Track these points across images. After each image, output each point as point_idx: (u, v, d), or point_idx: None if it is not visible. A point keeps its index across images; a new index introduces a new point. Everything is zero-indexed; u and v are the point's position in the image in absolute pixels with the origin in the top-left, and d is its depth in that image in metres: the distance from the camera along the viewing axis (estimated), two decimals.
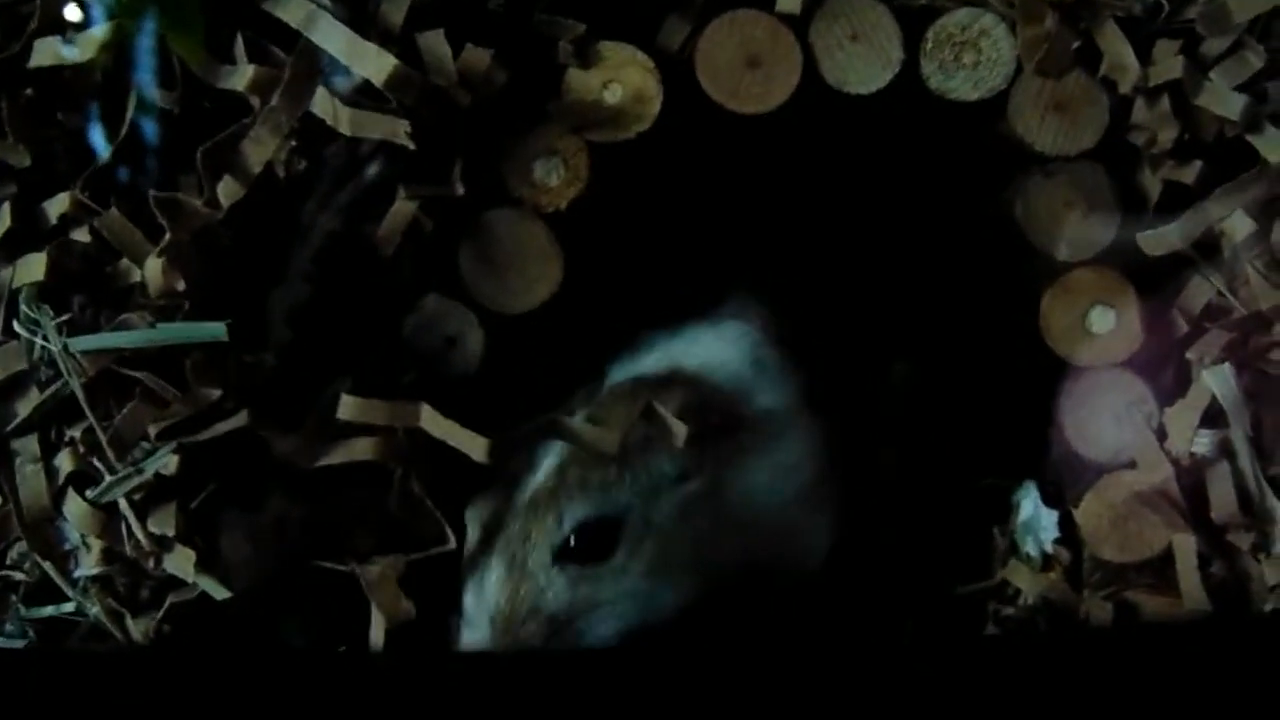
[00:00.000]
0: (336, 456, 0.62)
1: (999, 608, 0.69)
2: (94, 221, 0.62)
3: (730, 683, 0.56)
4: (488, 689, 0.55)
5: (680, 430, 0.61)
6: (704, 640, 0.67)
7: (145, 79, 0.63)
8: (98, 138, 0.64)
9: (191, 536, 0.62)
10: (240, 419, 0.61)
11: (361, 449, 0.62)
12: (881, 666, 0.60)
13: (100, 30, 0.63)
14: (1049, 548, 0.69)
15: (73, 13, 0.64)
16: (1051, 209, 0.65)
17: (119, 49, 0.64)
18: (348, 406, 0.61)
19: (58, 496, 0.63)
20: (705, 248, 0.70)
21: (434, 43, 0.61)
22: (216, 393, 0.61)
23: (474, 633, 0.62)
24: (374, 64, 0.60)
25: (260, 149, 0.61)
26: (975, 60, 0.64)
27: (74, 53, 0.62)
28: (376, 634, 0.62)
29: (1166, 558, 0.65)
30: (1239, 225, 0.64)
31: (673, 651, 0.66)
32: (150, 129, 0.63)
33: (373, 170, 0.64)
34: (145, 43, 0.63)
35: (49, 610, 0.64)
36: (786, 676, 0.57)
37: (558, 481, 0.61)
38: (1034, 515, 0.70)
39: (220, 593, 0.61)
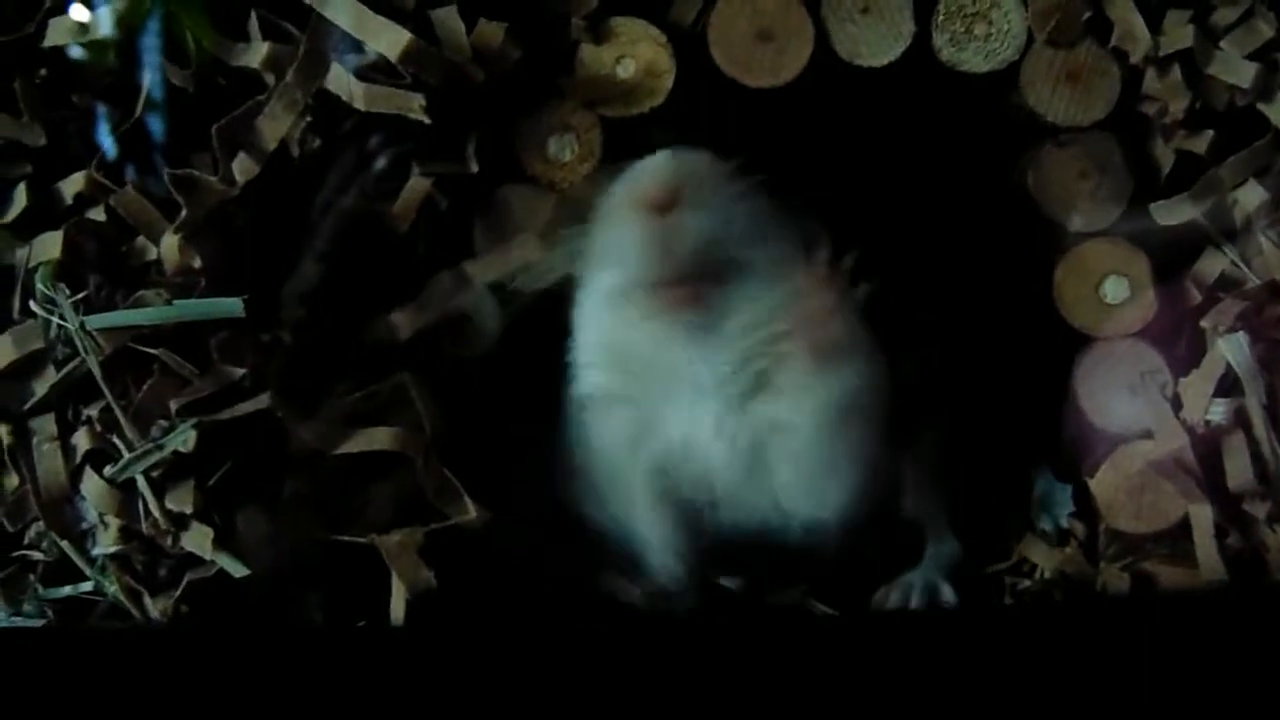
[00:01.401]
0: (355, 445, 0.63)
1: (1015, 581, 0.69)
2: (110, 200, 0.62)
3: (747, 652, 0.56)
4: (509, 661, 0.56)
5: None
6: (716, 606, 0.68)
7: (159, 58, 0.63)
8: (113, 117, 0.64)
9: (209, 514, 0.62)
10: (261, 400, 0.61)
11: (380, 439, 0.63)
12: (896, 635, 0.61)
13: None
14: (1065, 523, 0.69)
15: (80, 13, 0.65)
16: (1064, 180, 0.66)
17: (132, 28, 0.64)
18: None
19: (75, 475, 0.63)
20: None
21: (448, 18, 0.62)
22: (238, 371, 0.61)
23: None
24: (388, 38, 0.60)
25: (275, 125, 0.61)
26: (986, 32, 0.64)
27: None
28: (397, 604, 0.62)
29: (1183, 528, 0.65)
30: (1252, 195, 0.65)
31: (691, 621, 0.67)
32: (165, 107, 0.63)
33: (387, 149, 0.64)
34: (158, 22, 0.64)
35: (67, 590, 0.63)
36: (800, 645, 0.57)
37: None
38: (1049, 491, 0.70)
39: (238, 570, 0.61)
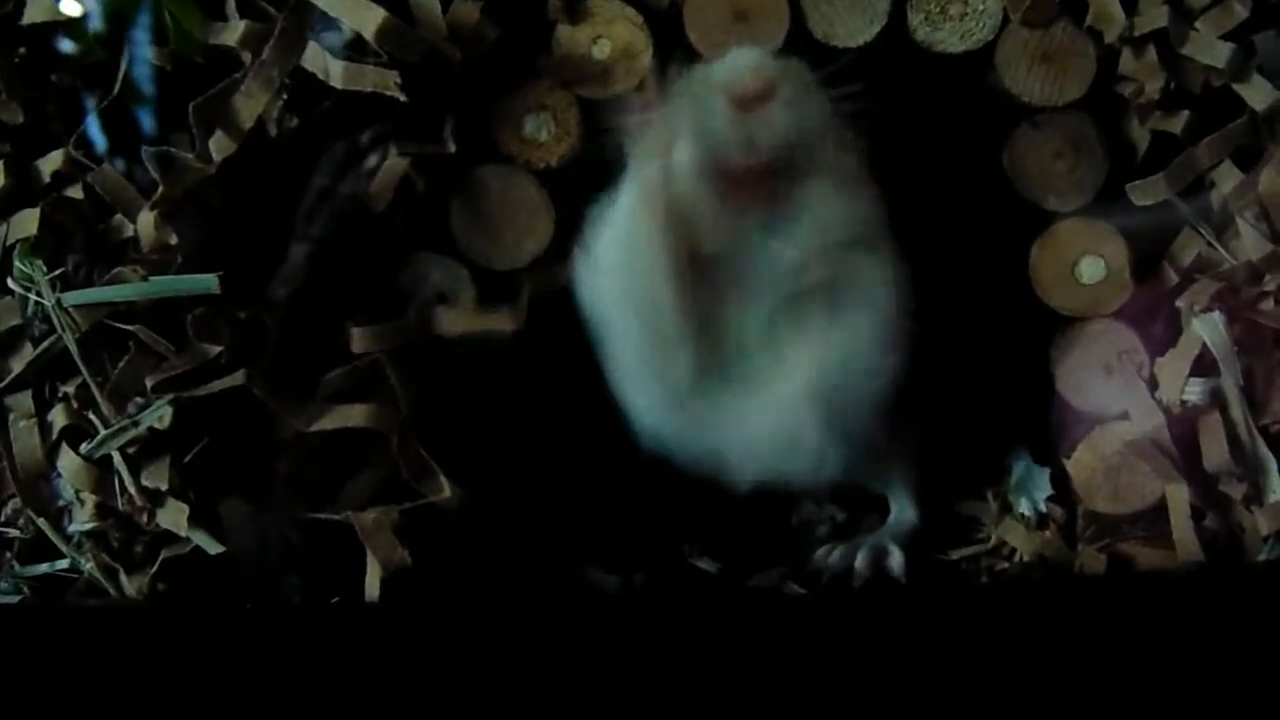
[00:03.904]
0: (329, 422, 0.63)
1: (992, 563, 0.69)
2: (87, 177, 0.62)
3: (730, 633, 0.56)
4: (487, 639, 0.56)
5: None
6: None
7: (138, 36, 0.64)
8: (91, 95, 0.64)
9: (185, 491, 0.62)
10: (237, 377, 0.62)
11: (355, 415, 0.63)
12: (873, 617, 0.60)
13: None
14: (1043, 506, 0.69)
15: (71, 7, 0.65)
16: (1039, 160, 0.66)
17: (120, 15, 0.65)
18: (359, 339, 0.62)
19: (51, 452, 0.63)
20: None
21: None
22: (214, 349, 0.62)
23: None
24: (364, 17, 0.60)
25: (252, 103, 0.62)
26: (962, 12, 0.65)
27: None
28: (371, 582, 0.62)
29: (1160, 509, 0.65)
30: (1228, 175, 0.65)
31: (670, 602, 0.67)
32: (143, 85, 0.64)
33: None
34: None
35: (43, 567, 0.64)
36: (782, 628, 0.57)
37: None
38: (1027, 474, 0.70)
39: (213, 547, 0.62)
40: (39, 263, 0.62)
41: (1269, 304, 0.65)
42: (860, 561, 0.67)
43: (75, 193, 0.63)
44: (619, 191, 0.61)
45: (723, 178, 0.59)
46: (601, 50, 0.65)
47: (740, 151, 0.58)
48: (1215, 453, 0.64)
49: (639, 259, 0.60)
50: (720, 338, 0.61)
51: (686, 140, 0.59)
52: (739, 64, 0.59)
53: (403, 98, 0.61)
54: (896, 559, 0.67)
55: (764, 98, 0.58)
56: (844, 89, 0.59)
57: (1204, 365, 0.65)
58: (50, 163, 0.63)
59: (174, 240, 0.61)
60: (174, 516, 0.61)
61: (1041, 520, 0.69)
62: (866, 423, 0.63)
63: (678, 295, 0.60)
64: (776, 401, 0.61)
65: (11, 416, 0.63)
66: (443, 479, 0.63)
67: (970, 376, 0.68)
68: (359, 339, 0.63)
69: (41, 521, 0.63)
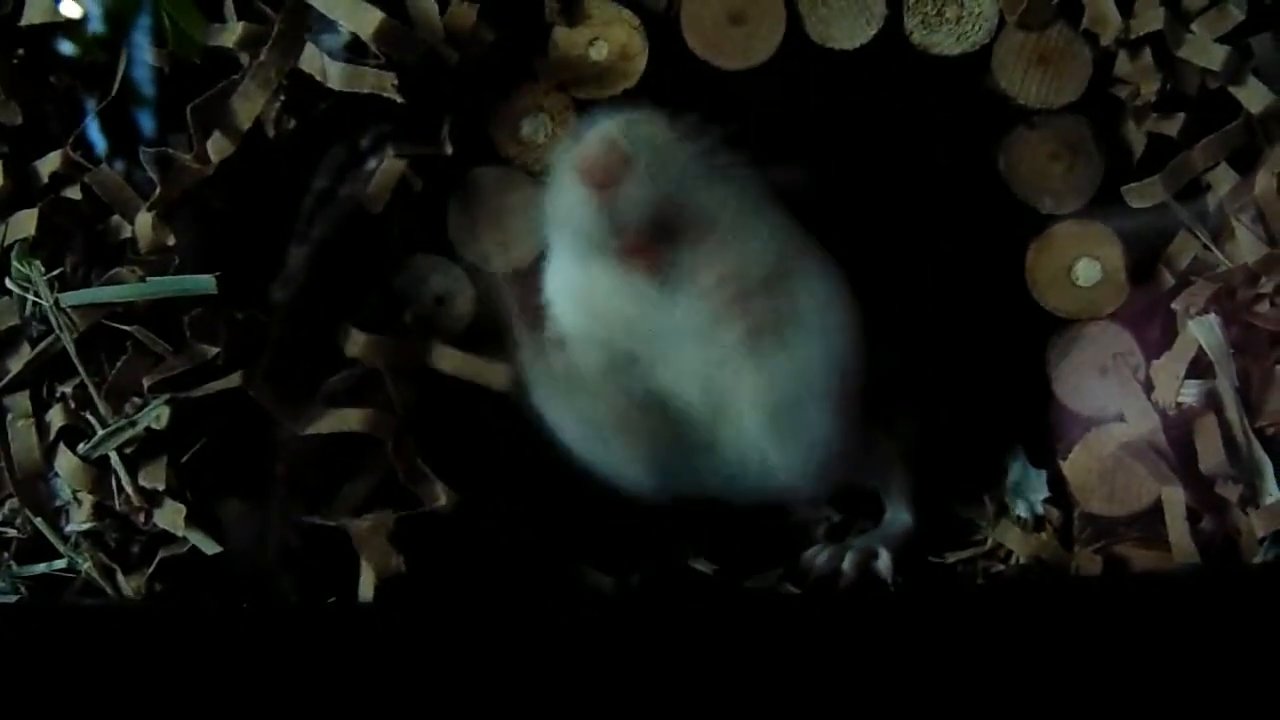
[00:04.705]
0: (326, 426, 0.63)
1: (989, 565, 0.69)
2: (85, 178, 0.62)
3: (727, 634, 0.56)
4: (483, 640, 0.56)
5: None
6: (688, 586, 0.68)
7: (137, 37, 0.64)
8: (89, 96, 0.64)
9: (182, 491, 0.62)
10: (234, 378, 0.62)
11: (352, 420, 0.63)
12: (869, 619, 0.60)
13: None
14: (1040, 508, 0.69)
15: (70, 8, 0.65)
16: (1036, 162, 0.66)
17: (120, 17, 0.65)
18: (355, 344, 0.62)
19: (49, 452, 0.63)
20: None
21: None
22: (211, 349, 0.62)
23: None
24: (360, 18, 0.61)
25: (249, 105, 0.62)
26: (958, 14, 0.65)
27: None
28: (365, 589, 0.62)
29: (1155, 511, 0.65)
30: (1224, 178, 0.65)
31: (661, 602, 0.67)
32: (141, 87, 0.64)
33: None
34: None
35: (41, 567, 0.64)
36: (779, 630, 0.57)
37: None
38: (1023, 476, 0.70)
39: (210, 547, 0.62)
40: (37, 263, 0.62)
41: (1265, 306, 0.65)
42: (848, 563, 0.67)
43: (73, 193, 0.63)
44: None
45: (607, 254, 0.60)
46: (599, 52, 0.65)
47: (608, 230, 0.58)
48: (1211, 455, 0.64)
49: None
50: (664, 414, 0.62)
51: (563, 225, 0.60)
52: (589, 144, 0.59)
53: (400, 99, 0.61)
54: (884, 561, 0.67)
55: (618, 174, 0.58)
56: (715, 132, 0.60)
57: (1200, 367, 0.65)
58: (49, 163, 0.63)
59: (172, 241, 0.62)
60: (171, 517, 0.62)
61: (1038, 522, 0.69)
62: (837, 432, 0.62)
63: (613, 395, 0.61)
64: (734, 455, 0.62)
65: (9, 416, 0.63)
66: (438, 484, 0.63)
67: (966, 378, 0.68)
68: (356, 344, 0.63)
69: (39, 521, 0.63)
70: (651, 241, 0.59)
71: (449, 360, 0.65)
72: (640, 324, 0.61)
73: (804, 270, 0.62)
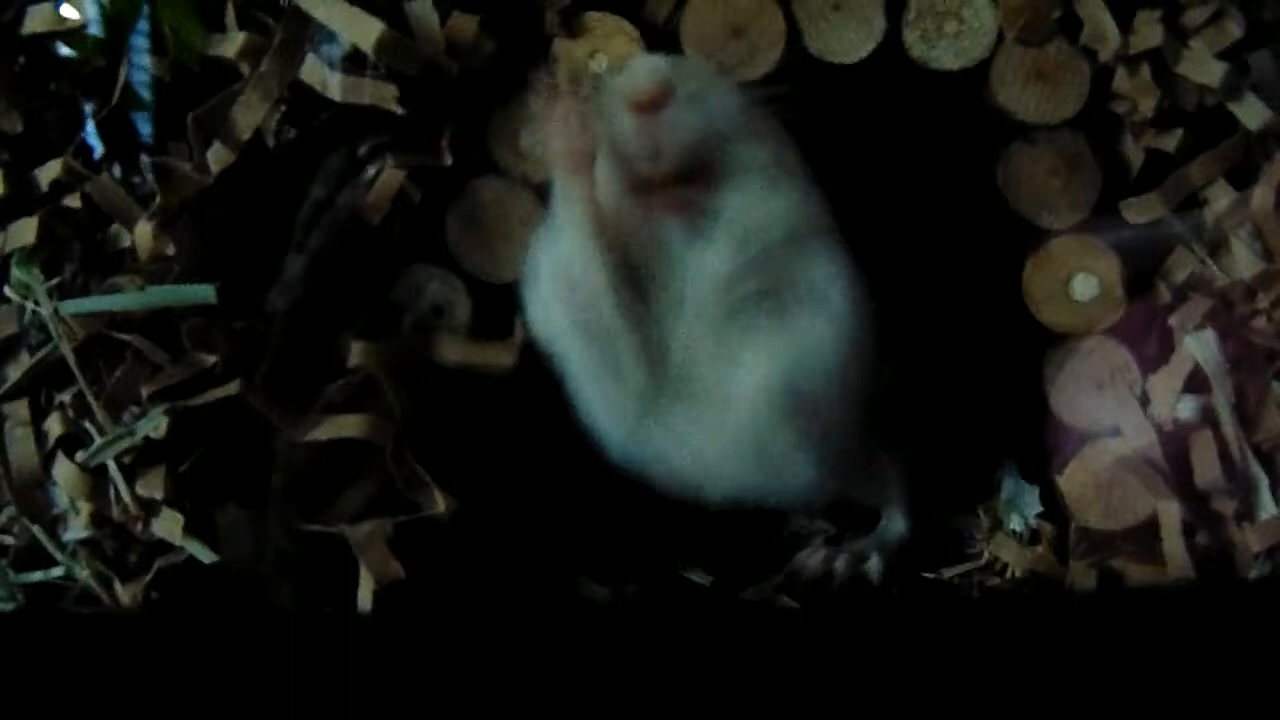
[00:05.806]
0: (324, 432, 0.63)
1: (984, 579, 0.69)
2: (85, 187, 0.63)
3: (718, 646, 0.56)
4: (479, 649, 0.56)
5: None
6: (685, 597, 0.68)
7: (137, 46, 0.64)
8: (89, 105, 0.64)
9: (180, 500, 0.62)
10: (232, 387, 0.62)
11: (350, 426, 0.63)
12: (868, 634, 0.61)
13: None
14: (1033, 522, 0.69)
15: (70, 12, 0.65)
16: (1034, 177, 0.66)
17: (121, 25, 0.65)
18: (357, 353, 0.62)
19: (47, 460, 0.63)
20: None
21: (422, 10, 0.62)
22: (210, 358, 0.62)
23: None
24: (361, 29, 0.61)
25: (250, 115, 0.62)
26: (957, 29, 0.65)
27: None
28: (364, 595, 0.62)
29: (1151, 526, 0.65)
30: (1221, 194, 0.65)
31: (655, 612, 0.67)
32: (141, 95, 0.64)
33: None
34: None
35: (38, 575, 0.64)
36: (774, 641, 0.57)
37: None
38: (1016, 491, 0.70)
39: (207, 556, 0.62)
40: (36, 271, 0.62)
41: (1261, 322, 0.65)
42: (840, 564, 0.67)
43: (73, 202, 0.63)
44: (551, 213, 0.62)
45: (639, 189, 0.59)
46: (599, 65, 0.65)
47: (646, 158, 0.58)
48: (1207, 470, 0.64)
49: (576, 280, 0.60)
50: (665, 356, 0.61)
51: (601, 154, 0.59)
52: (637, 70, 0.59)
53: (401, 112, 0.61)
54: (875, 564, 0.67)
55: (662, 100, 0.58)
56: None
57: (1196, 382, 0.65)
58: (48, 172, 0.63)
59: (171, 250, 0.62)
60: (169, 525, 0.62)
61: (1033, 536, 0.69)
62: (837, 425, 0.62)
63: (618, 314, 0.60)
64: (733, 414, 0.61)
65: (7, 424, 0.63)
66: (436, 491, 0.63)
67: (963, 392, 0.68)
68: (357, 353, 0.63)
69: (36, 529, 0.63)
70: (684, 180, 0.59)
71: (453, 350, 0.65)
72: (659, 270, 0.60)
73: (823, 247, 0.61)
